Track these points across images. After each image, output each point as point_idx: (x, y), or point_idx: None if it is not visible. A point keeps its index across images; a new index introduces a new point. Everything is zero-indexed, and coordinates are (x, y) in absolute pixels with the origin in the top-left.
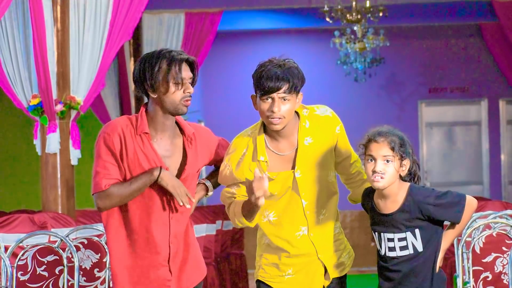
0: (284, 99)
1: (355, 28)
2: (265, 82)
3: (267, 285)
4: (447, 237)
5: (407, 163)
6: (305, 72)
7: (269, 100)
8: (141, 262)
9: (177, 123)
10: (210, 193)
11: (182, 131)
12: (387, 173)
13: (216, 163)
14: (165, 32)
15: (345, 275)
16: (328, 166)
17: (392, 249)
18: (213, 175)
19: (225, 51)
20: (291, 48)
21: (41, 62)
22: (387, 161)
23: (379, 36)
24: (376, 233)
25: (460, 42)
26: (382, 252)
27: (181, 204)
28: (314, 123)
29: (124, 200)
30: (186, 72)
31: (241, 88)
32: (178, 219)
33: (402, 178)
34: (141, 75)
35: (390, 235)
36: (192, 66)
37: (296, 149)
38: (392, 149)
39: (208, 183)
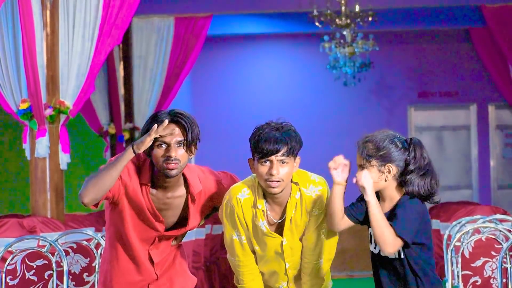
0: (283, 162)
1: (344, 32)
2: (264, 145)
3: None
4: (378, 210)
5: (391, 168)
6: (294, 77)
7: (268, 163)
8: (138, 278)
9: (184, 177)
10: (201, 222)
11: (187, 185)
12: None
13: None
14: (154, 36)
15: None
16: (303, 230)
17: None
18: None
19: (215, 56)
20: (280, 53)
21: (31, 67)
22: (362, 168)
23: (368, 41)
24: (371, 230)
25: (450, 47)
26: (371, 249)
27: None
28: (301, 197)
29: (102, 182)
30: (170, 134)
31: (231, 92)
32: (161, 248)
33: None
34: (141, 132)
35: None
36: (186, 126)
37: (284, 218)
38: (362, 156)
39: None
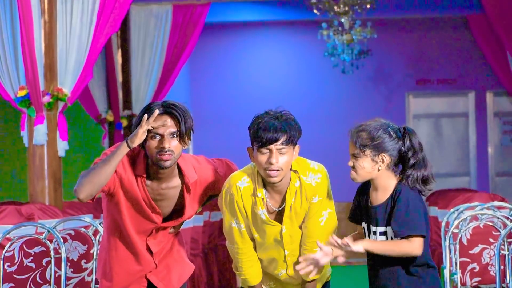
0: (282, 151)
1: (342, 20)
2: (263, 133)
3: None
4: (373, 242)
5: (384, 157)
6: (292, 64)
7: (267, 152)
8: (135, 269)
9: (179, 167)
10: (198, 210)
11: (182, 175)
12: (356, 168)
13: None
14: (152, 24)
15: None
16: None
17: None
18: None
19: (213, 43)
20: (278, 40)
21: (29, 54)
22: (355, 157)
23: (366, 28)
24: (366, 224)
25: (448, 35)
26: None
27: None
28: (301, 185)
29: (98, 178)
30: (162, 126)
31: (229, 80)
32: (159, 238)
33: (395, 171)
34: (134, 124)
35: (374, 228)
36: (179, 117)
37: (284, 207)
38: (356, 145)
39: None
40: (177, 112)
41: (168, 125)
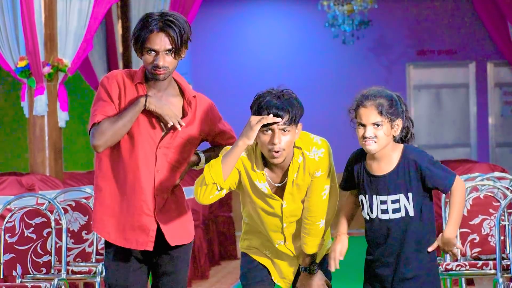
0: (284, 131)
1: None
2: (265, 113)
3: (247, 254)
4: (448, 224)
5: (399, 123)
6: (292, 34)
7: (269, 132)
8: (127, 208)
9: (178, 85)
10: (201, 164)
11: (183, 93)
12: (378, 137)
13: (214, 138)
14: None
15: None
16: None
17: (384, 211)
18: (209, 150)
19: (213, 14)
20: (278, 11)
21: (29, 24)
22: (377, 125)
23: None
24: (367, 196)
25: (448, 5)
26: (373, 216)
27: (171, 123)
28: (304, 160)
29: (118, 134)
30: (157, 43)
31: (229, 51)
32: (163, 173)
33: (395, 138)
34: (132, 35)
35: (383, 197)
36: (175, 36)
37: (286, 182)
38: (380, 113)
39: (202, 154)
40: (174, 30)
41: (163, 43)
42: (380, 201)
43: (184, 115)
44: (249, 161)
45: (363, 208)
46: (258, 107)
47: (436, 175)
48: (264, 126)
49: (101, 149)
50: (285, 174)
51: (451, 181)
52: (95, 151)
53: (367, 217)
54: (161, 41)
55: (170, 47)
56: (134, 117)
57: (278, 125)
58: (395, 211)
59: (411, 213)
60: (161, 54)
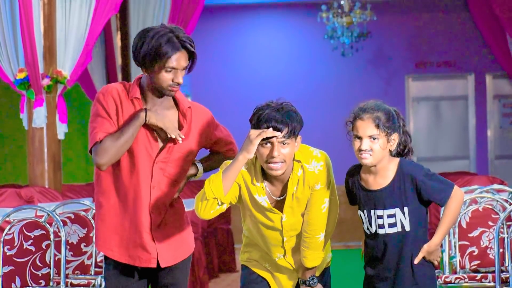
0: (284, 143)
1: (342, 2)
2: (264, 126)
3: (247, 266)
4: (436, 233)
5: (396, 137)
6: (292, 46)
7: (268, 145)
8: (129, 225)
9: (173, 96)
10: (199, 175)
11: (178, 105)
12: (374, 151)
13: (212, 146)
14: (152, 6)
15: (328, 269)
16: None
17: (381, 226)
18: (207, 159)
19: (212, 26)
20: (278, 22)
21: (28, 36)
22: (373, 138)
23: (366, 11)
24: (365, 211)
25: (447, 17)
26: (373, 230)
27: (173, 136)
28: (303, 173)
29: (121, 151)
30: (180, 62)
31: (229, 62)
32: (161, 188)
33: (391, 152)
34: (139, 49)
35: (380, 212)
36: (191, 55)
37: (285, 196)
38: (377, 126)
39: (199, 165)
40: (192, 46)
41: (183, 61)
42: (377, 215)
43: (179, 127)
44: (249, 174)
45: (363, 223)
46: (258, 120)
47: (432, 188)
48: (263, 139)
49: (105, 167)
50: (284, 188)
51: (448, 194)
52: (99, 169)
53: (368, 232)
54: (181, 59)
55: (186, 64)
56: (136, 132)
57: (278, 138)
58: (391, 225)
59: (407, 228)
60: (180, 72)
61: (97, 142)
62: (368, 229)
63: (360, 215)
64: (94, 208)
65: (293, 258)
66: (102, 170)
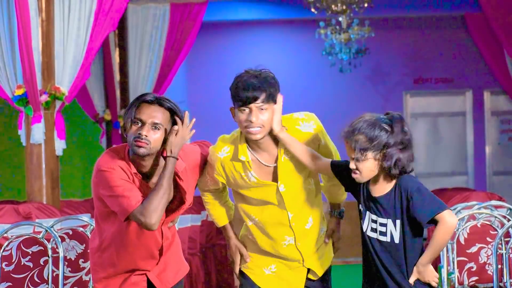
0: (262, 109)
1: (340, 19)
2: (242, 93)
3: (248, 276)
4: (425, 252)
5: (383, 154)
6: (290, 63)
7: (247, 110)
8: (126, 266)
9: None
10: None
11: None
12: (360, 170)
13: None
14: (150, 23)
15: (329, 268)
16: (306, 175)
17: (374, 230)
18: None
19: (211, 42)
20: (276, 39)
21: (26, 52)
22: (357, 160)
23: (364, 27)
24: (363, 208)
25: (445, 33)
26: (364, 229)
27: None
28: (295, 137)
29: (165, 199)
30: (146, 113)
31: (227, 79)
32: (167, 238)
33: (385, 168)
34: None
35: (374, 217)
36: (167, 109)
37: (276, 163)
38: (356, 150)
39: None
40: (168, 106)
41: (152, 114)
42: (372, 219)
43: (178, 187)
44: (230, 156)
45: (361, 218)
46: (236, 87)
47: (416, 204)
48: (241, 105)
49: (157, 225)
50: (272, 157)
51: (431, 213)
52: (150, 230)
53: (360, 227)
54: (148, 111)
55: (156, 119)
56: (171, 174)
57: (256, 103)
58: (382, 233)
59: (396, 240)
60: (145, 125)
61: (137, 204)
62: (361, 224)
63: (360, 209)
64: (92, 224)
65: (304, 245)
66: (155, 229)
